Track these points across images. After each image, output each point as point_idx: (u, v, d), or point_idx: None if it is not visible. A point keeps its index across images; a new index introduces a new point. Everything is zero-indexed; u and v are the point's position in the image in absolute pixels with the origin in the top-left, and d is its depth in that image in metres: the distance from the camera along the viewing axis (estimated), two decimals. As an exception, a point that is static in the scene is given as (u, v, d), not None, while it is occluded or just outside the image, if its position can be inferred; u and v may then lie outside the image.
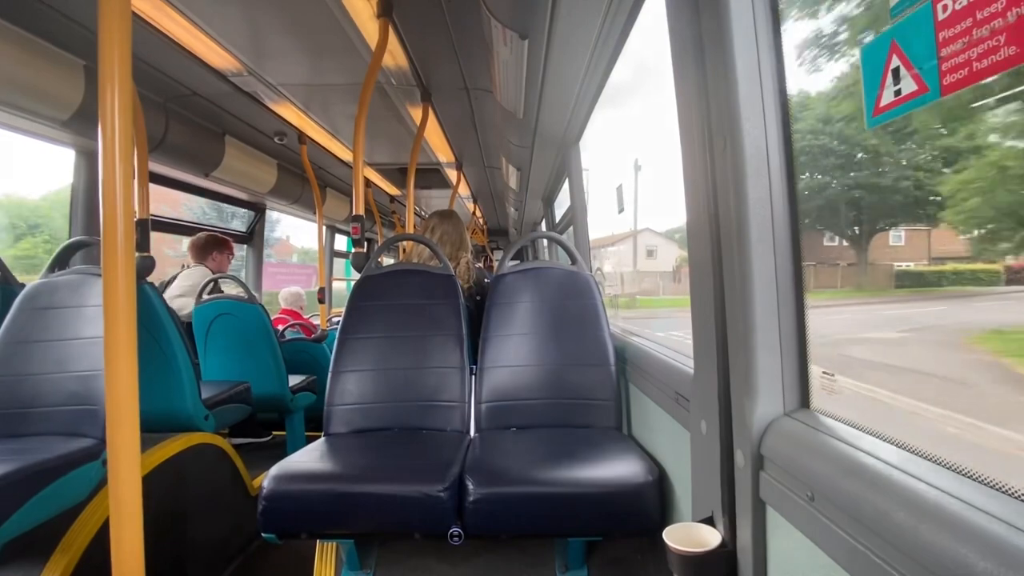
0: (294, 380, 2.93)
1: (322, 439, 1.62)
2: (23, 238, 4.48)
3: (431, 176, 4.61)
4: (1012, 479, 0.52)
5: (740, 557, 0.88)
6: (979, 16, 0.49)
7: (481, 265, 2.77)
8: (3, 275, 1.92)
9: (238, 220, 4.35)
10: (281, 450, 2.87)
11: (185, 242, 3.42)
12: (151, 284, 1.90)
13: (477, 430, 1.72)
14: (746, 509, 0.85)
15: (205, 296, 2.79)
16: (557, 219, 4.24)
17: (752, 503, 0.83)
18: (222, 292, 2.92)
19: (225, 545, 2.01)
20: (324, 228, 4.32)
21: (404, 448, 1.52)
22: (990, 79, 0.49)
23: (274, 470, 1.32)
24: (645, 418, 1.55)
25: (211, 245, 3.16)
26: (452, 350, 1.75)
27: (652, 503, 1.24)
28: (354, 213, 2.07)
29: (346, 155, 3.71)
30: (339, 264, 6.17)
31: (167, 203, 3.74)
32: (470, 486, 1.26)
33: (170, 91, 2.49)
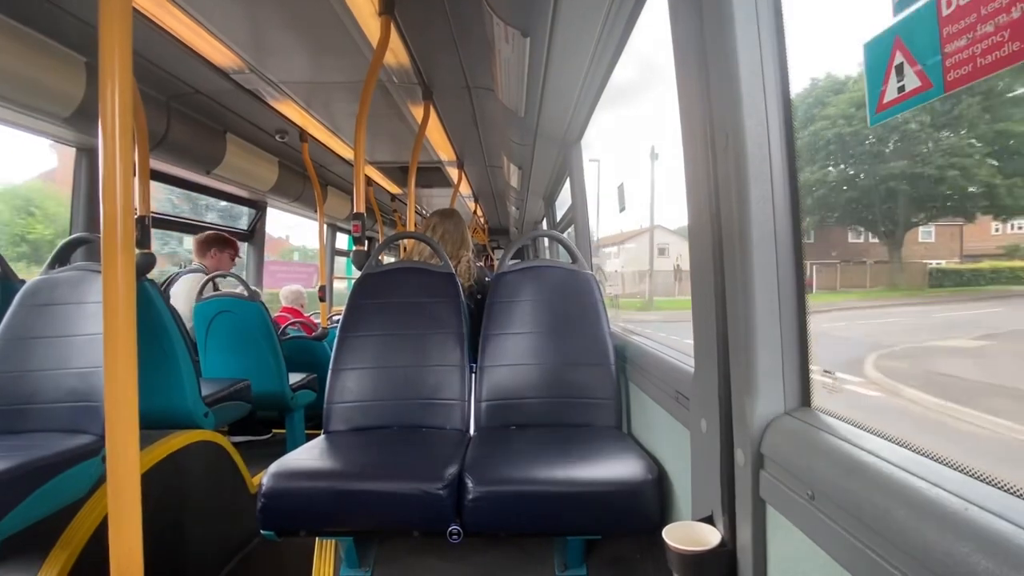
0: (294, 378, 2.93)
1: (321, 437, 1.62)
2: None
3: (432, 174, 4.61)
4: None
5: (740, 556, 0.87)
6: (983, 12, 0.49)
7: (481, 264, 2.77)
8: (3, 271, 1.92)
9: (214, 213, 4.30)
10: (281, 448, 2.88)
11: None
12: (151, 281, 1.90)
13: (477, 428, 1.72)
14: (746, 508, 0.85)
15: (206, 293, 2.79)
16: (558, 218, 4.24)
17: (752, 502, 0.83)
18: (218, 289, 2.92)
19: (224, 542, 2.01)
20: (325, 226, 4.32)
21: (403, 446, 1.52)
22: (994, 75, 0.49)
23: (273, 468, 1.32)
24: (645, 417, 1.55)
25: (211, 243, 3.15)
26: (452, 348, 1.75)
27: (652, 502, 1.24)
28: (355, 211, 2.07)
29: (347, 153, 3.71)
30: (340, 263, 6.17)
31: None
32: (469, 484, 1.26)
33: (172, 88, 2.49)
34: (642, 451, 1.40)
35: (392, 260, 2.44)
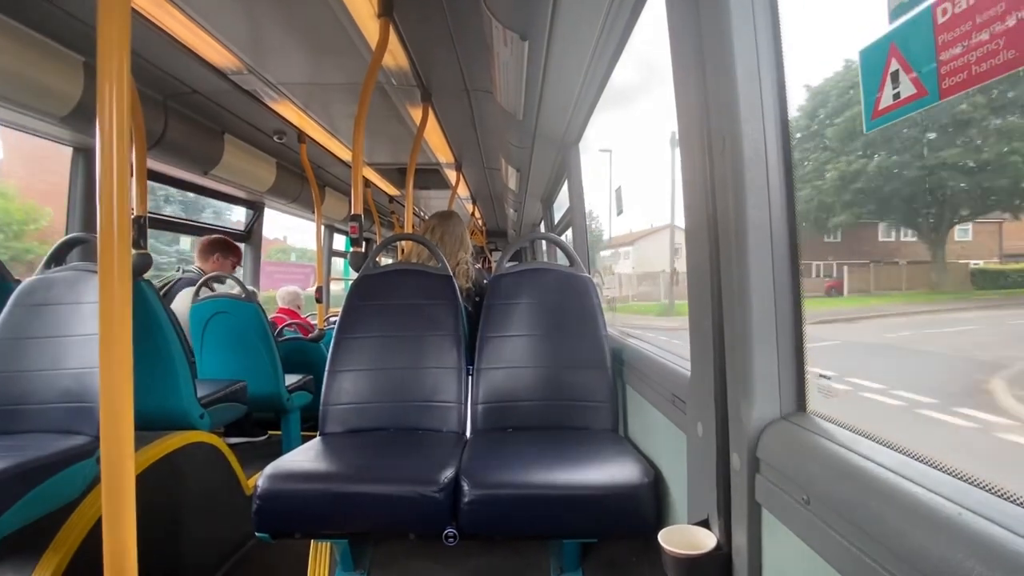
0: (291, 379, 2.92)
1: (317, 439, 1.61)
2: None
3: (430, 176, 4.61)
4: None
5: (735, 560, 0.87)
6: (978, 20, 0.49)
7: (479, 266, 2.77)
8: None
9: (174, 206, 4.20)
10: (277, 449, 2.86)
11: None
12: (148, 281, 1.89)
13: (473, 431, 1.72)
14: (742, 512, 0.85)
15: (202, 294, 2.78)
16: (556, 220, 4.24)
17: (748, 506, 0.83)
18: (214, 290, 2.90)
19: (219, 544, 2.00)
20: (323, 227, 4.31)
21: (400, 448, 1.51)
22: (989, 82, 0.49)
23: (269, 469, 1.32)
24: (641, 420, 1.55)
25: (216, 248, 3.12)
26: (449, 350, 1.75)
27: (647, 505, 1.24)
28: (352, 213, 2.07)
29: (345, 155, 3.71)
30: (337, 263, 6.16)
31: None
32: (465, 487, 1.26)
33: (170, 88, 2.48)
34: (638, 454, 1.40)
35: (390, 262, 2.44)
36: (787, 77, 0.85)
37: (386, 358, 1.74)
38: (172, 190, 3.77)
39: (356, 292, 1.83)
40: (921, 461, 0.61)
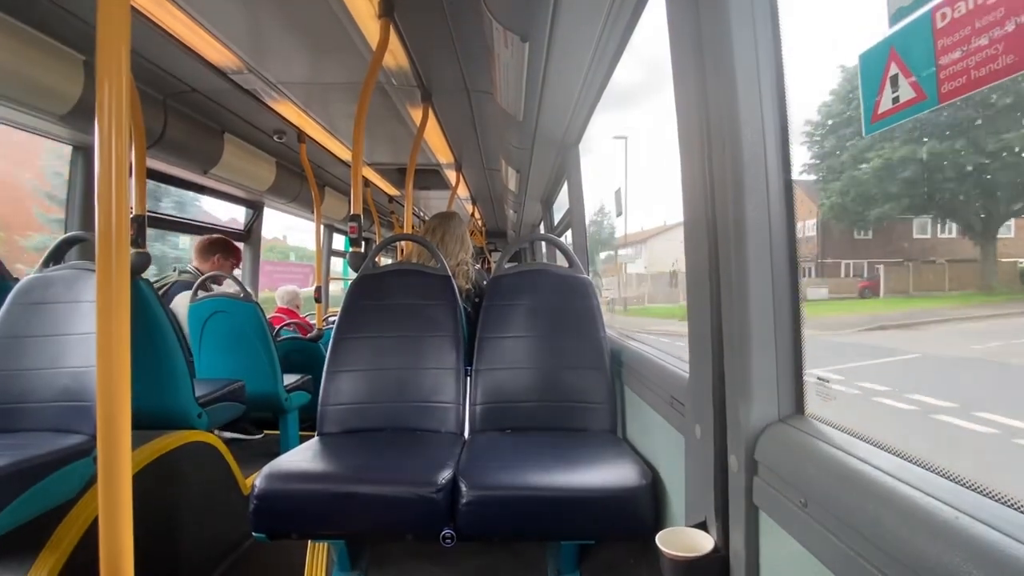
0: (289, 379, 2.91)
1: (315, 439, 1.61)
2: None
3: (430, 177, 4.61)
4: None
5: (733, 562, 0.87)
6: (978, 25, 0.49)
7: (479, 267, 2.77)
8: None
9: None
10: (275, 449, 2.86)
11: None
12: (146, 280, 1.89)
13: (472, 432, 1.71)
14: (739, 514, 0.85)
15: (200, 293, 2.77)
16: (556, 221, 4.24)
17: (745, 508, 0.83)
18: (210, 290, 2.90)
19: (216, 544, 1.99)
20: (322, 227, 4.31)
21: (398, 449, 1.51)
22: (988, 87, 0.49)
23: (266, 469, 1.32)
24: (640, 421, 1.55)
25: (216, 249, 3.11)
26: (448, 351, 1.75)
27: (645, 507, 1.24)
28: (352, 212, 2.07)
29: (345, 154, 3.71)
30: (337, 263, 6.15)
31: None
32: (463, 488, 1.26)
33: (169, 87, 2.48)
34: (636, 456, 1.39)
35: (389, 262, 2.44)
36: (786, 78, 0.85)
37: (385, 358, 1.74)
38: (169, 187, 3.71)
39: (355, 292, 1.83)
40: (918, 465, 0.61)
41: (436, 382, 1.72)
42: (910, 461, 0.63)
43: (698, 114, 0.96)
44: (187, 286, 2.91)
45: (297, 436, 2.94)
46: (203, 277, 2.82)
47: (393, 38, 2.01)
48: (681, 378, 1.15)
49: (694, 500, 1.03)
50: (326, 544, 1.60)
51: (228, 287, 2.95)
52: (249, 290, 2.83)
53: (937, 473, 0.59)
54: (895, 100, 0.58)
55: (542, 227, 5.12)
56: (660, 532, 0.90)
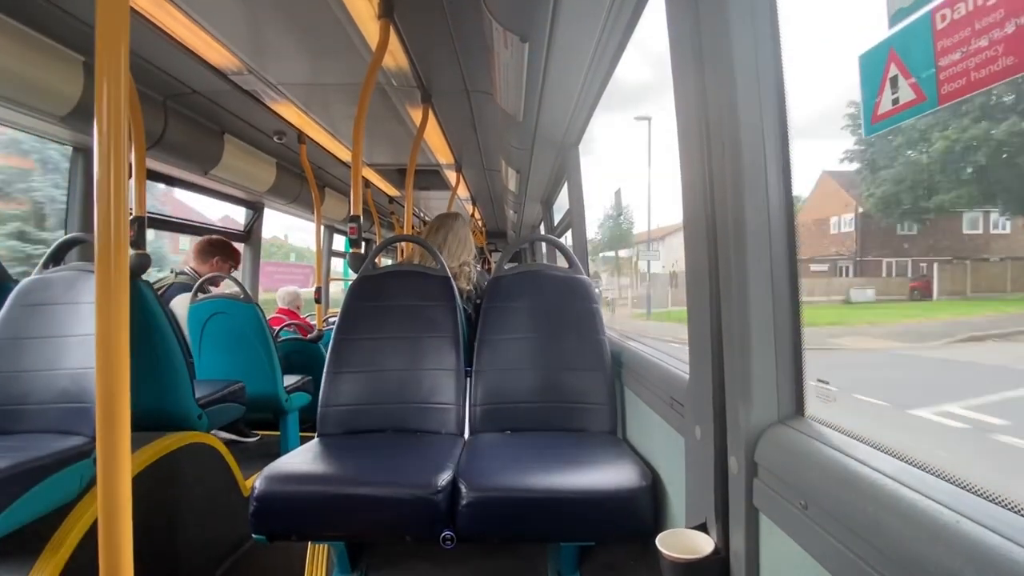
0: (289, 380, 2.91)
1: (316, 440, 1.61)
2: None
3: (430, 177, 4.61)
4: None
5: (733, 564, 0.87)
6: (977, 26, 0.49)
7: (480, 268, 2.77)
8: None
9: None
10: (275, 450, 2.86)
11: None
12: (146, 282, 1.89)
13: (472, 433, 1.71)
14: (739, 516, 0.85)
15: (200, 295, 2.77)
16: (556, 222, 4.24)
17: (746, 510, 0.83)
18: (207, 292, 2.90)
19: (216, 546, 1.99)
20: (322, 228, 4.31)
21: (398, 450, 1.51)
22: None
23: (266, 471, 1.32)
24: (640, 423, 1.55)
25: (215, 251, 3.11)
26: (448, 352, 1.75)
27: (645, 508, 1.24)
28: (352, 213, 2.07)
29: (345, 155, 3.71)
30: (337, 264, 6.15)
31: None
32: (463, 489, 1.25)
33: (169, 88, 2.48)
34: (636, 457, 1.39)
35: (390, 263, 2.44)
36: (786, 78, 0.85)
37: (385, 359, 1.74)
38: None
39: (355, 293, 1.83)
40: (919, 467, 0.61)
41: (436, 383, 1.72)
42: (910, 464, 0.62)
43: (698, 114, 0.96)
44: (184, 288, 2.92)
45: (297, 437, 2.94)
46: (203, 279, 2.82)
47: (393, 39, 2.01)
48: (681, 379, 1.15)
49: (694, 502, 1.03)
50: (326, 546, 1.60)
51: (225, 288, 2.95)
52: (249, 291, 2.83)
53: (938, 476, 0.59)
54: (895, 101, 0.58)
55: (542, 227, 5.12)
56: (660, 534, 0.90)
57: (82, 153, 2.38)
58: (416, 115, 2.92)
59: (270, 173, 3.63)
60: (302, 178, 3.91)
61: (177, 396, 1.91)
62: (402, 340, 1.76)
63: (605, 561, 1.53)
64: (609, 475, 1.28)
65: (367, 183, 4.69)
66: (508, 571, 1.53)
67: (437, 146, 3.71)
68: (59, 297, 1.64)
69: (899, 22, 0.57)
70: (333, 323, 1.96)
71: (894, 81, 0.58)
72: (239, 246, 3.84)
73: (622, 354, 1.71)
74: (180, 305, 2.83)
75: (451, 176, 4.52)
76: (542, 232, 5.05)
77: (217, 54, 2.17)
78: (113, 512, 0.96)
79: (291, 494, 1.28)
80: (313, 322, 4.11)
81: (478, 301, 2.14)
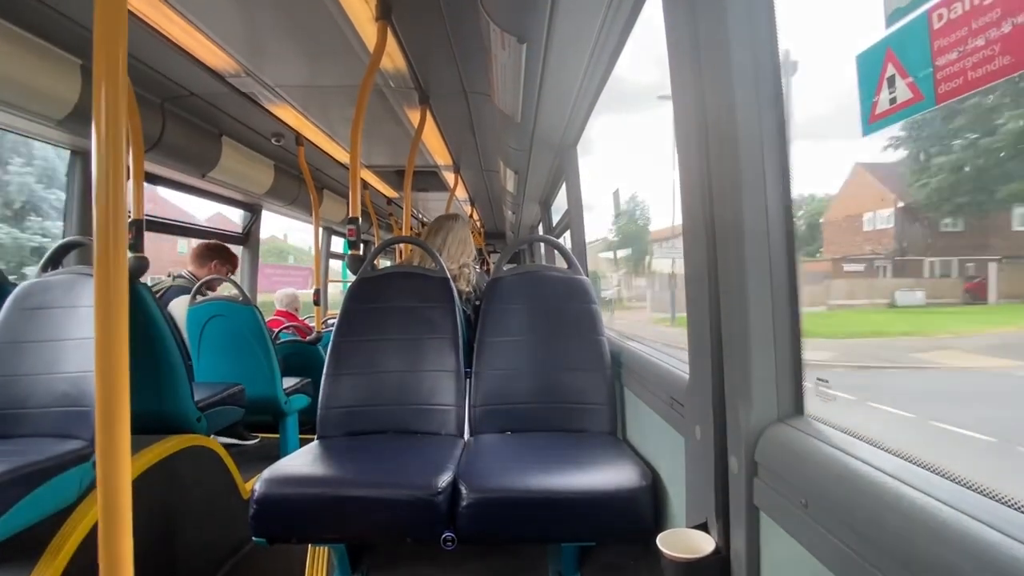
0: (288, 382, 2.91)
1: (315, 442, 1.61)
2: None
3: (429, 178, 4.61)
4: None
5: (734, 564, 0.87)
6: (974, 26, 0.50)
7: (479, 269, 2.77)
8: None
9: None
10: (274, 452, 2.86)
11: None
12: (145, 285, 1.89)
13: (472, 434, 1.71)
14: (740, 515, 0.85)
15: (199, 298, 2.77)
16: (554, 222, 4.24)
17: (746, 509, 0.83)
18: (205, 295, 2.90)
19: (216, 549, 1.99)
20: (321, 230, 4.31)
21: (398, 452, 1.51)
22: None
23: (266, 473, 1.31)
24: (640, 423, 1.55)
25: (213, 255, 3.11)
26: (447, 353, 1.75)
27: (646, 508, 1.24)
28: (350, 215, 2.07)
29: (344, 157, 3.70)
30: (336, 265, 6.15)
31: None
32: (463, 491, 1.25)
33: (167, 91, 2.48)
34: (637, 457, 1.39)
35: (389, 264, 2.44)
36: (783, 78, 0.85)
37: (384, 361, 1.74)
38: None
39: (354, 295, 1.83)
40: (919, 465, 0.61)
41: (436, 384, 1.72)
42: (911, 462, 0.63)
43: (696, 115, 0.96)
44: (182, 291, 2.92)
45: (297, 439, 2.94)
46: (201, 282, 2.82)
47: (390, 40, 2.01)
48: (681, 379, 1.15)
49: (695, 501, 1.03)
50: (326, 548, 1.59)
51: (224, 290, 2.95)
52: (248, 294, 2.83)
53: (938, 474, 0.59)
54: (892, 101, 0.59)
55: (540, 228, 5.12)
56: (661, 533, 0.90)
57: (80, 156, 2.37)
58: (414, 116, 2.92)
59: (268, 175, 3.63)
60: (300, 180, 3.90)
61: (176, 399, 1.91)
62: (401, 342, 1.76)
63: (606, 561, 1.53)
64: (609, 475, 1.29)
65: (365, 185, 4.68)
66: (509, 572, 1.53)
67: (435, 147, 3.71)
68: (58, 300, 1.63)
69: (896, 22, 0.57)
70: (332, 325, 1.96)
71: (891, 80, 0.59)
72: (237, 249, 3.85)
73: (622, 354, 1.72)
74: (178, 308, 2.82)
75: (449, 177, 4.52)
76: (541, 233, 5.05)
77: (215, 56, 2.17)
78: (113, 516, 0.96)
79: (291, 497, 1.28)
80: (312, 324, 4.11)
81: (477, 302, 2.14)
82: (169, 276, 3.11)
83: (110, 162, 0.94)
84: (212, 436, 2.07)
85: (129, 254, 1.01)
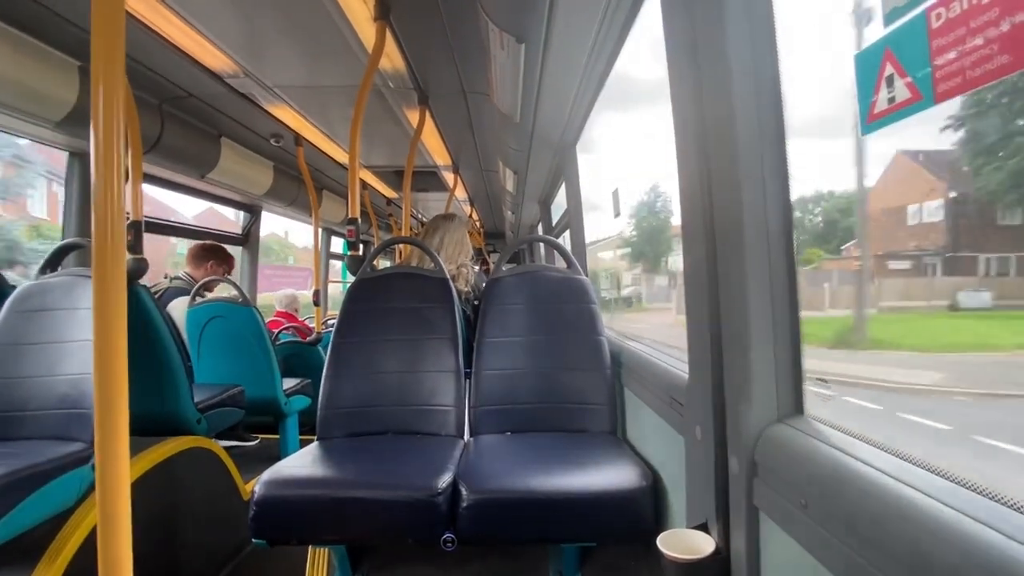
0: (288, 383, 2.91)
1: (315, 443, 1.61)
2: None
3: (428, 178, 4.61)
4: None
5: (734, 564, 0.87)
6: (972, 25, 0.49)
7: (478, 269, 2.77)
8: None
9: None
10: (274, 453, 2.86)
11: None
12: (144, 286, 1.89)
13: (472, 434, 1.71)
14: (740, 516, 0.85)
15: (199, 299, 2.77)
16: (554, 222, 4.24)
17: (746, 510, 0.83)
18: (204, 296, 2.90)
19: (216, 551, 1.99)
20: (320, 230, 4.31)
21: (398, 453, 1.51)
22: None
23: (266, 475, 1.31)
24: (640, 423, 1.55)
25: (210, 256, 3.12)
26: (447, 354, 1.75)
27: (646, 509, 1.24)
28: (350, 216, 2.06)
29: (343, 157, 3.70)
30: (336, 266, 6.14)
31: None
32: (463, 492, 1.25)
33: (165, 92, 2.48)
34: (637, 458, 1.39)
35: (388, 264, 2.44)
36: (782, 76, 0.85)
37: (384, 362, 1.74)
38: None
39: (353, 296, 1.83)
40: (919, 465, 0.61)
41: (435, 385, 1.72)
42: (910, 462, 0.62)
43: (694, 114, 0.96)
44: (180, 292, 2.92)
45: (297, 440, 2.94)
46: (200, 283, 2.82)
47: (389, 41, 2.01)
48: (681, 379, 1.15)
49: (695, 502, 1.03)
50: (327, 550, 1.59)
51: (221, 291, 2.95)
52: (247, 294, 2.83)
53: (938, 474, 0.59)
54: (891, 100, 0.58)
55: (540, 227, 5.12)
56: (661, 534, 0.90)
57: (78, 158, 2.37)
58: (413, 117, 2.92)
59: (267, 176, 3.63)
60: (299, 181, 3.90)
61: (176, 401, 1.91)
62: (401, 342, 1.76)
63: (606, 562, 1.53)
64: (609, 476, 1.28)
65: (364, 185, 4.68)
66: (509, 573, 1.53)
67: (434, 147, 3.70)
68: (56, 302, 1.63)
69: (894, 22, 0.57)
70: (332, 326, 1.96)
71: (890, 80, 0.58)
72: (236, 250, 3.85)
73: (621, 354, 1.71)
74: (178, 309, 2.82)
75: (448, 177, 4.52)
76: (540, 232, 5.05)
77: (213, 57, 2.16)
78: (112, 518, 0.96)
79: (291, 498, 1.28)
80: (312, 325, 4.11)
81: (476, 302, 2.13)
82: (166, 278, 3.11)
83: (108, 164, 0.94)
84: (212, 438, 2.07)
85: (128, 255, 1.01)
